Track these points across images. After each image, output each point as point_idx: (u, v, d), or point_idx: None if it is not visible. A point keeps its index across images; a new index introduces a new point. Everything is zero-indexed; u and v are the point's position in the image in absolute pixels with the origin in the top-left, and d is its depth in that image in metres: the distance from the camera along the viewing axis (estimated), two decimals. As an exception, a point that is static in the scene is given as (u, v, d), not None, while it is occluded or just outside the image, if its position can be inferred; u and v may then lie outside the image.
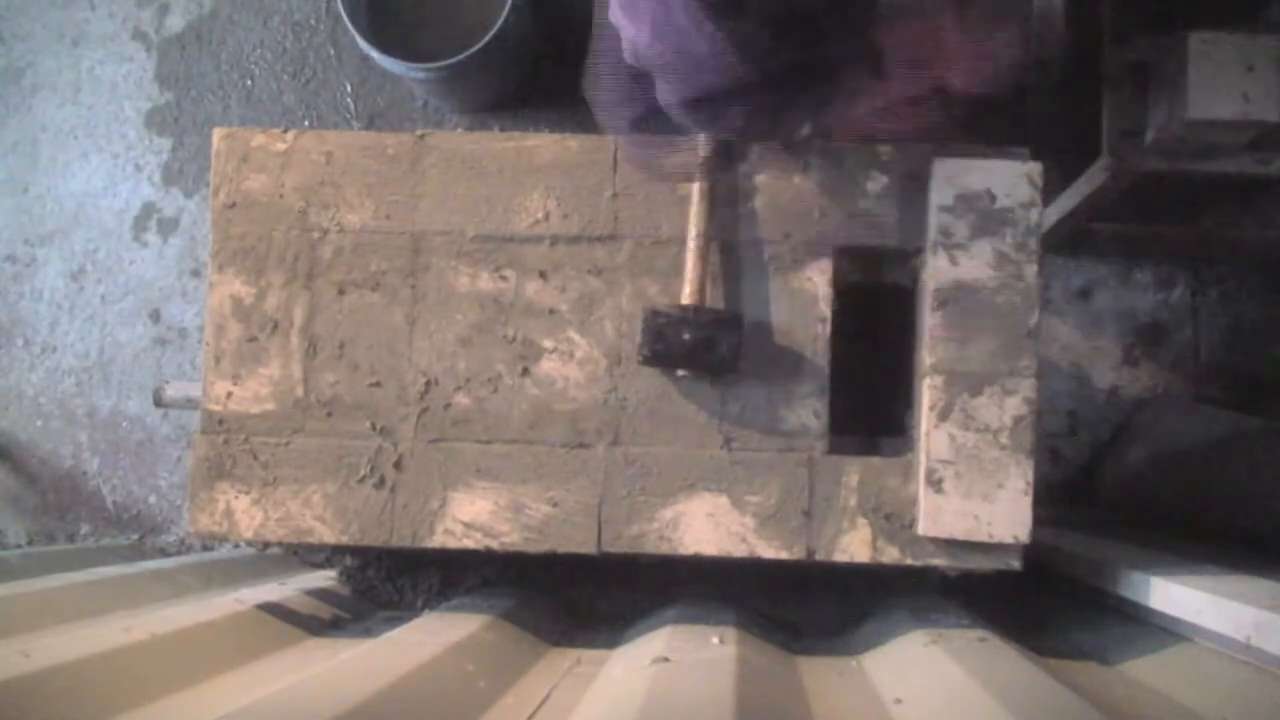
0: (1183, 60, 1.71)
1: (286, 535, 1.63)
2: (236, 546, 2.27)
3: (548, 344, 1.62)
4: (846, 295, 1.63)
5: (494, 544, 1.62)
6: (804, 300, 1.60)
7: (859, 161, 1.57)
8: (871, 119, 1.40)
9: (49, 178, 2.56)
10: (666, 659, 1.40)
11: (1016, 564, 1.54)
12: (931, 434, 1.52)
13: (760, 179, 1.58)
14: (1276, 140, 1.77)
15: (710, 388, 1.59)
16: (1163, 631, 1.52)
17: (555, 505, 1.59)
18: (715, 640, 1.52)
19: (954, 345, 1.53)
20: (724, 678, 1.31)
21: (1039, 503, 1.51)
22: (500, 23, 2.14)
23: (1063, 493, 2.28)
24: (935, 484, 1.51)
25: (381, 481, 1.60)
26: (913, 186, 1.56)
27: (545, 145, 1.64)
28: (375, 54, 2.19)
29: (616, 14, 1.27)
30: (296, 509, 1.62)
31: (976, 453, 1.52)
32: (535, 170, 1.63)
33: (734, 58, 1.19)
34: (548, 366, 1.62)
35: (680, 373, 1.58)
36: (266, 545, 2.27)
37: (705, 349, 1.49)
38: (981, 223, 1.55)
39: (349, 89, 2.55)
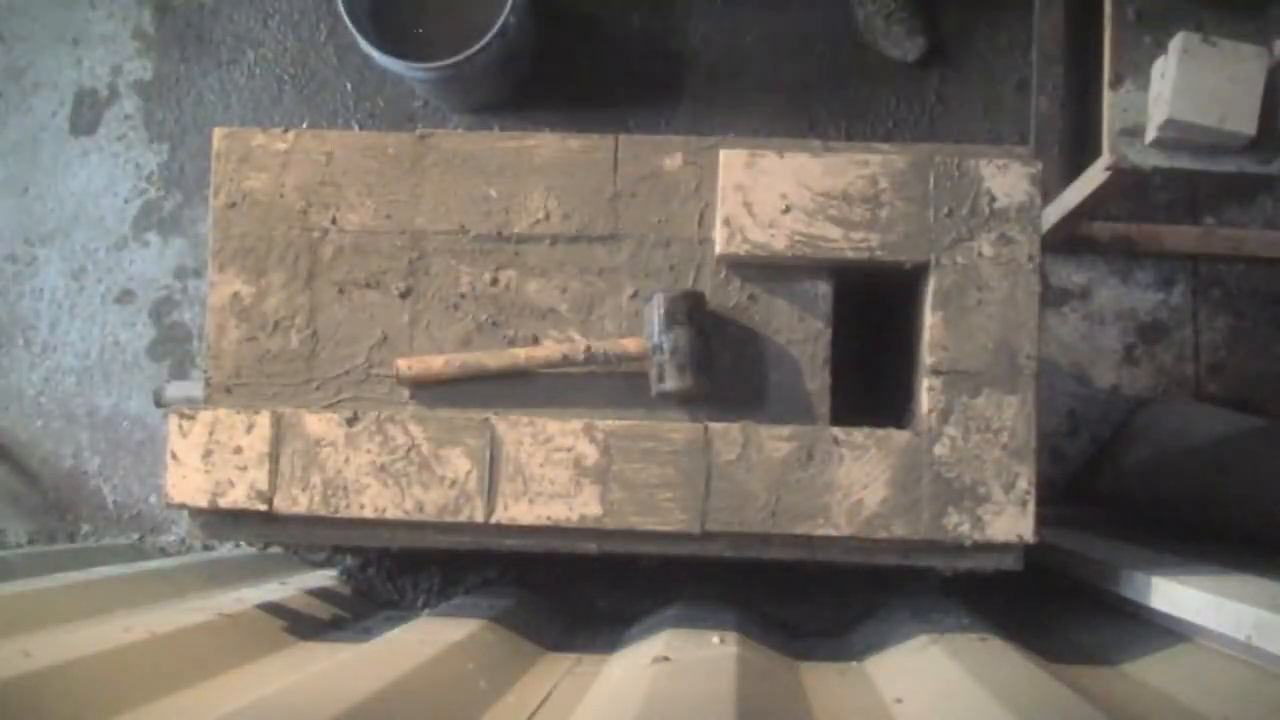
0: (1172, 58, 1.72)
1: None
2: (237, 546, 2.27)
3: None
4: (847, 295, 1.62)
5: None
6: (805, 300, 1.60)
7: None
8: None
9: (49, 178, 2.56)
10: (667, 659, 1.40)
11: (1018, 564, 1.54)
12: (932, 435, 1.52)
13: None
14: (1277, 140, 1.77)
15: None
16: (1163, 631, 1.52)
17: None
18: (715, 640, 1.52)
19: (954, 345, 1.54)
20: (724, 678, 1.31)
21: (1040, 502, 1.51)
22: (500, 22, 2.14)
23: (1063, 492, 2.29)
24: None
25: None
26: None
27: (545, 145, 1.64)
28: (375, 54, 2.19)
29: None
30: (297, 509, 1.62)
31: (978, 453, 1.52)
32: (536, 170, 1.63)
33: None
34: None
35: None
36: (267, 545, 2.27)
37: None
38: (982, 222, 1.55)
39: (349, 89, 2.55)
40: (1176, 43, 1.72)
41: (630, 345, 1.55)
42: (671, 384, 1.51)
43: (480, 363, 1.56)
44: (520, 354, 1.56)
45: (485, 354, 1.56)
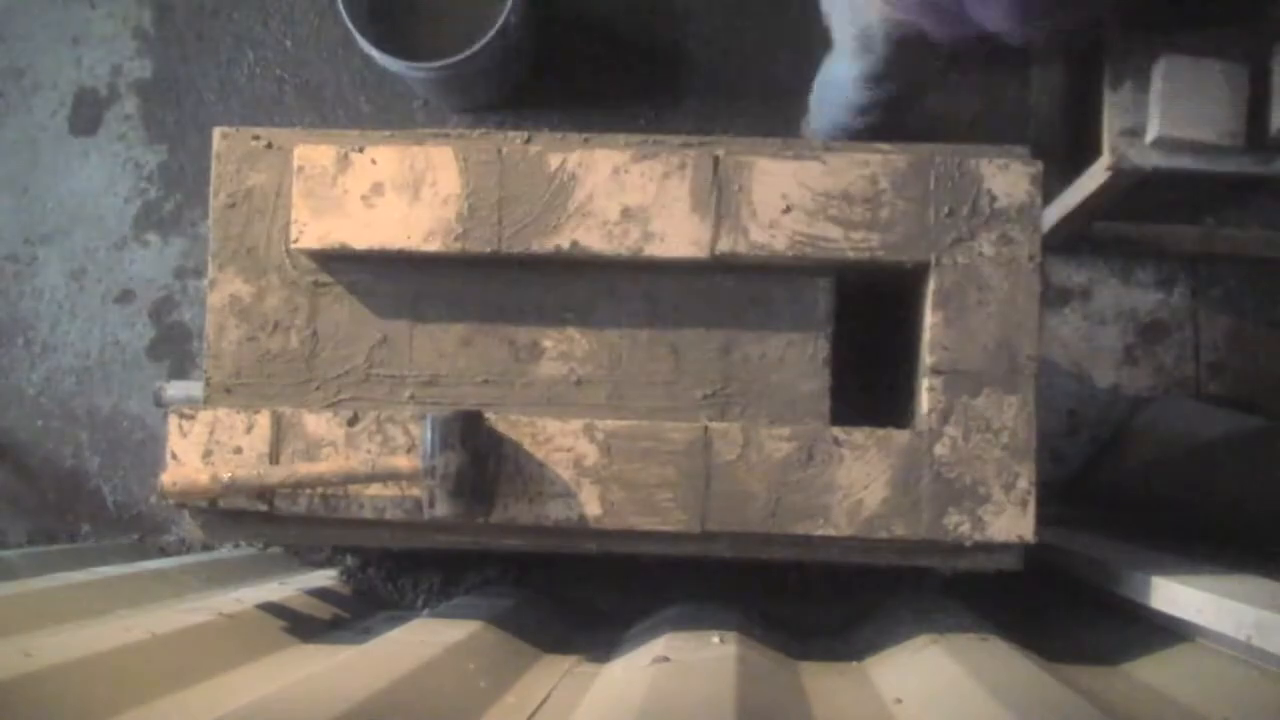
0: (1155, 81, 1.75)
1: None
2: (236, 546, 2.27)
3: (548, 344, 1.62)
4: (847, 295, 1.63)
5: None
6: (805, 300, 1.60)
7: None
8: None
9: (49, 178, 2.56)
10: (667, 659, 1.40)
11: (1017, 564, 1.54)
12: (933, 435, 1.52)
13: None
14: (1267, 143, 1.78)
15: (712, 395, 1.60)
16: (1163, 631, 1.52)
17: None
18: (715, 640, 1.52)
19: (953, 345, 1.53)
20: (724, 678, 1.32)
21: (1039, 502, 1.51)
22: (500, 22, 2.14)
23: (1063, 492, 2.29)
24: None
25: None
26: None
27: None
28: (375, 53, 2.19)
29: None
30: (297, 509, 1.62)
31: (978, 453, 1.52)
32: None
33: None
34: (548, 367, 1.62)
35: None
36: (267, 545, 2.27)
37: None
38: (982, 222, 1.55)
39: (349, 89, 2.55)
40: (1159, 66, 1.74)
41: (402, 464, 1.49)
42: (440, 510, 1.46)
43: (259, 479, 1.51)
44: (300, 470, 1.51)
45: (267, 470, 1.52)
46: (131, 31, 2.59)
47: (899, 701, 1.36)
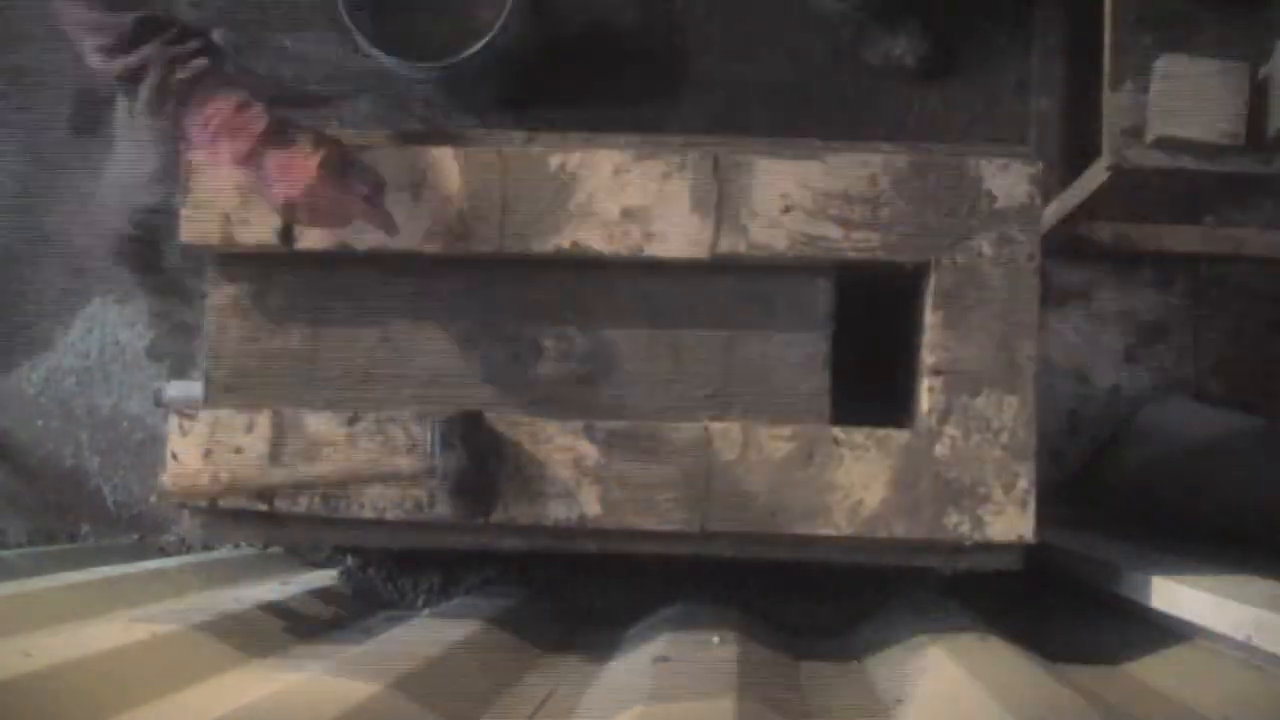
0: (1154, 81, 1.75)
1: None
2: (236, 546, 2.27)
3: (548, 344, 1.62)
4: (847, 295, 1.63)
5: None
6: (805, 300, 1.60)
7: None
8: None
9: (49, 177, 2.55)
10: (667, 659, 1.40)
11: (1017, 564, 1.54)
12: (933, 435, 1.52)
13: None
14: (1267, 143, 1.78)
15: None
16: (1163, 631, 1.52)
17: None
18: (715, 640, 1.52)
19: (953, 345, 1.54)
20: (724, 678, 1.32)
21: (1039, 502, 1.52)
22: (501, 21, 2.14)
23: (1063, 493, 2.28)
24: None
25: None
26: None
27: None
28: (375, 53, 2.19)
29: None
30: (297, 509, 1.62)
31: (978, 453, 1.52)
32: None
33: None
34: (548, 367, 1.62)
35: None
36: (267, 545, 2.27)
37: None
38: (982, 222, 1.55)
39: (349, 88, 2.55)
40: (1159, 66, 1.75)
41: (403, 464, 1.51)
42: (441, 510, 1.49)
43: (259, 479, 1.52)
44: (300, 470, 1.52)
45: (267, 470, 1.54)
46: (131, 31, 2.59)
47: (899, 702, 1.36)
